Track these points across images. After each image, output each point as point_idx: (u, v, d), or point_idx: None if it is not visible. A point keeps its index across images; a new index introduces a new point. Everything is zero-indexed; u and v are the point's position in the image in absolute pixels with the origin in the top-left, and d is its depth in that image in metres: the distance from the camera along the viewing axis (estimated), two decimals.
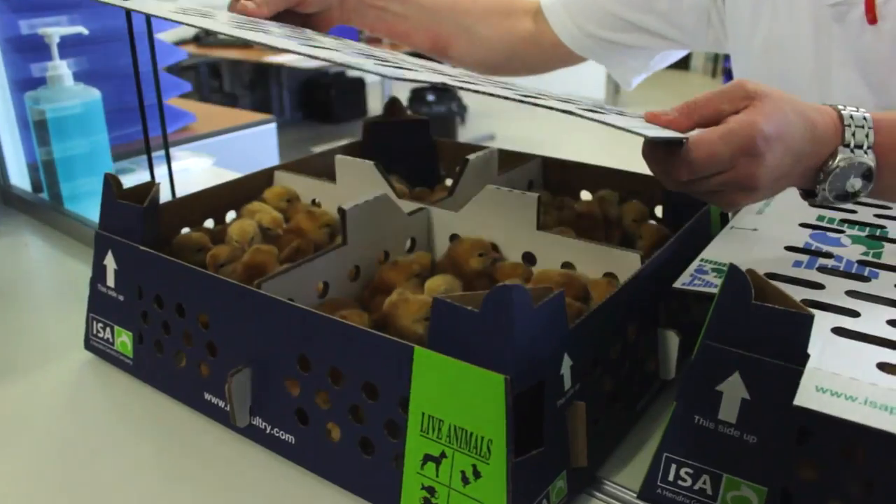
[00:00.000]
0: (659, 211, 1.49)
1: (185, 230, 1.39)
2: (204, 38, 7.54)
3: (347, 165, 1.41)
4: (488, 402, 0.77)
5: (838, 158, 0.91)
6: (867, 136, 0.91)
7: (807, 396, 0.70)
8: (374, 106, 8.05)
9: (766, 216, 1.21)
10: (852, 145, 0.91)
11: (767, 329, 0.75)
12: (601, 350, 0.93)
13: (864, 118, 0.92)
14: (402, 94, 7.13)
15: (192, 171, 2.30)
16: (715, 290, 0.82)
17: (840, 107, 0.93)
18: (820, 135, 0.90)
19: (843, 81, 1.33)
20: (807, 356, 0.74)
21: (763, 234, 1.13)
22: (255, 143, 2.67)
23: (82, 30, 2.03)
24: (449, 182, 1.75)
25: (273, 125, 2.72)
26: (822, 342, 0.78)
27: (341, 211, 1.13)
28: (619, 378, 0.99)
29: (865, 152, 0.91)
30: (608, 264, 1.13)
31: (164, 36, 2.58)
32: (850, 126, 0.91)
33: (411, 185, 1.68)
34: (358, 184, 1.40)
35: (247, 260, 1.22)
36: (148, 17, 1.61)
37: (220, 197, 1.47)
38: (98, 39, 2.20)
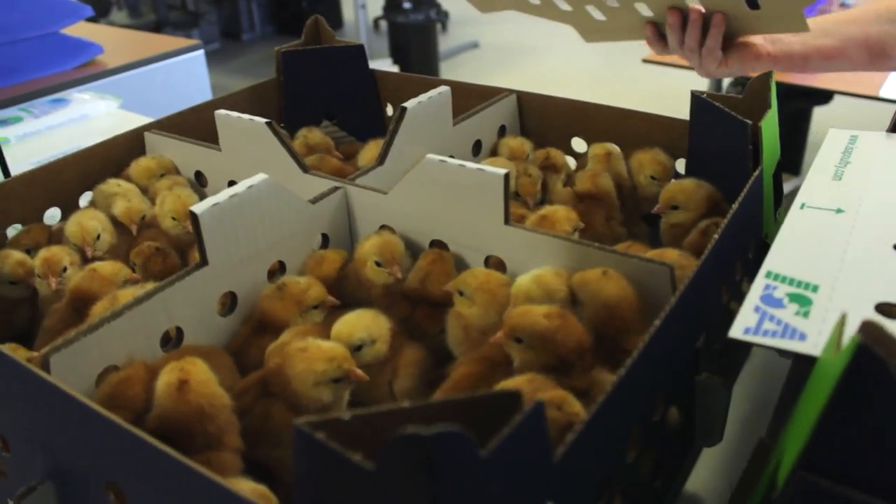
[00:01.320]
0: (681, 165, 1.07)
1: (13, 232, 0.98)
2: None
3: (232, 126, 0.98)
4: None
5: None
6: None
7: None
8: (350, 16, 7.48)
9: (846, 183, 0.80)
10: None
11: None
12: (610, 468, 0.54)
13: None
14: (376, 1, 6.55)
15: (91, 118, 1.86)
16: (806, 348, 0.44)
17: None
18: None
19: None
20: None
21: (855, 219, 0.72)
22: (178, 77, 2.21)
23: None
24: None
25: (200, 53, 2.26)
26: None
27: (192, 216, 0.71)
28: (641, 488, 0.60)
29: None
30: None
31: None
32: None
33: (342, 136, 1.26)
34: (248, 149, 0.98)
35: (74, 287, 0.82)
36: None
37: (71, 174, 1.05)
38: None
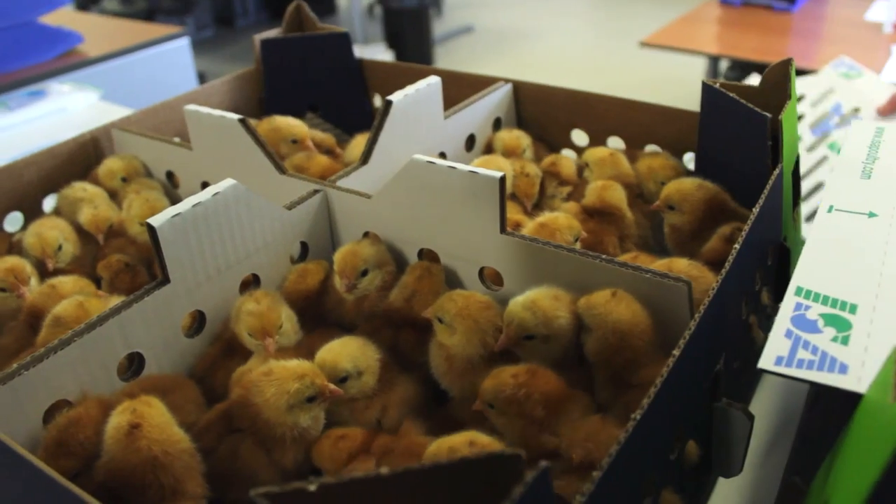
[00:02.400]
0: (689, 159, 0.99)
1: None
2: None
3: (203, 122, 0.90)
4: None
5: None
6: None
7: None
8: (344, 1, 7.36)
9: (877, 182, 0.73)
10: None
11: None
12: None
13: None
14: None
15: (69, 111, 1.78)
16: (849, 383, 0.46)
17: None
18: None
19: None
20: None
21: (891, 224, 0.65)
22: (162, 67, 2.12)
23: None
24: None
25: (185, 41, 2.17)
26: None
27: (150, 229, 0.64)
28: None
29: None
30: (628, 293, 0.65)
31: None
32: None
33: (327, 129, 1.18)
34: (221, 147, 0.90)
35: (31, 304, 0.74)
36: None
37: (32, 176, 0.97)
38: None
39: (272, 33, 1.19)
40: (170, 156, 0.97)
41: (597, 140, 1.07)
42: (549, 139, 1.09)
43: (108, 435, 0.54)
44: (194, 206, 0.66)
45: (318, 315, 0.77)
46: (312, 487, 0.35)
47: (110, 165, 0.97)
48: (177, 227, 0.65)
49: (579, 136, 1.09)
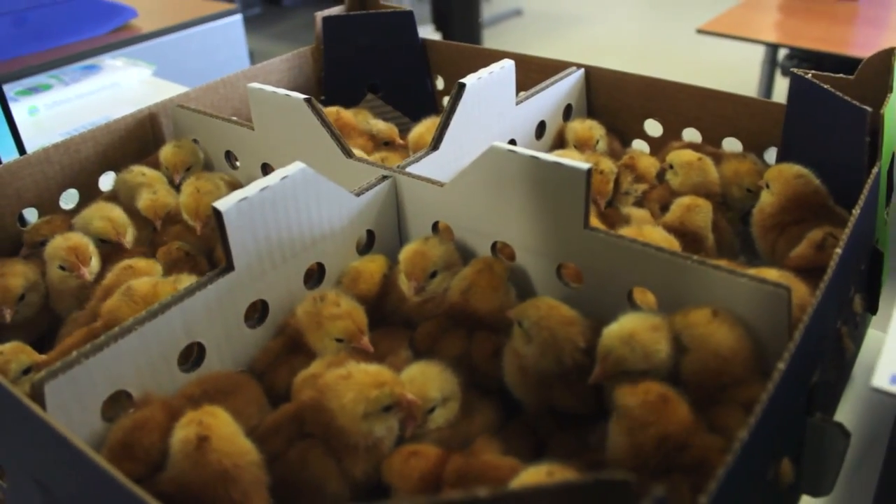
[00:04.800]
0: (771, 156, 0.94)
1: (29, 215, 0.89)
2: None
3: (266, 102, 0.86)
4: None
5: None
6: None
7: None
8: None
9: None
10: None
11: None
12: None
13: None
14: None
15: (122, 86, 1.76)
16: None
17: None
18: None
19: None
20: None
21: None
22: (214, 43, 2.10)
23: None
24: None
25: (238, 18, 2.14)
26: None
27: (216, 213, 0.60)
28: None
29: None
30: (721, 301, 0.60)
31: None
32: None
33: (387, 111, 1.14)
34: (285, 128, 0.86)
35: (107, 286, 0.72)
36: None
37: (89, 152, 0.95)
38: None
39: (334, 10, 1.15)
40: (230, 135, 0.94)
41: (672, 131, 1.01)
42: (621, 128, 1.04)
43: (175, 448, 0.50)
44: (262, 189, 0.62)
45: (376, 312, 0.73)
46: None
47: (171, 153, 0.93)
48: (243, 212, 0.62)
49: (653, 127, 1.03)
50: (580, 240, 0.66)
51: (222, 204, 0.60)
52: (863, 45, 2.69)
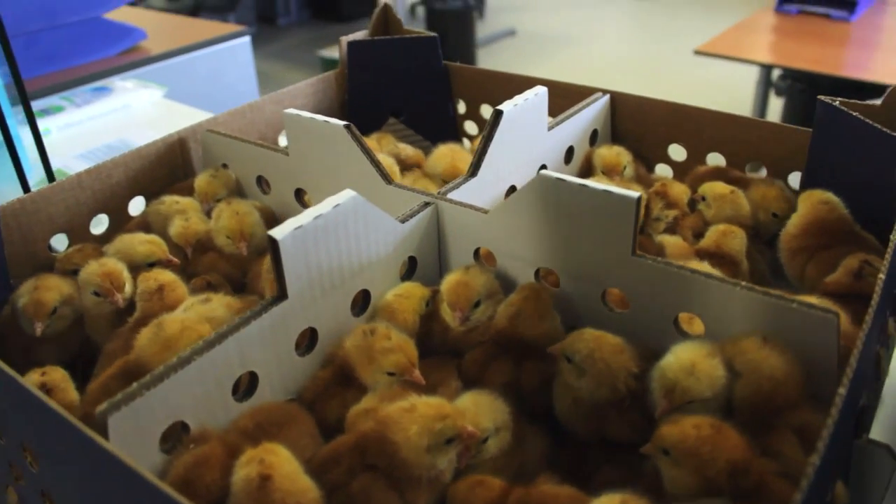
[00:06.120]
0: (794, 179, 0.95)
1: (57, 243, 0.89)
2: None
3: (303, 127, 0.87)
4: None
5: None
6: None
7: None
8: (388, 1, 7.35)
9: None
10: None
11: None
12: None
13: None
14: None
15: (134, 107, 1.76)
16: None
17: None
18: None
19: None
20: None
21: None
22: (223, 65, 2.11)
23: None
24: (471, 128, 1.21)
25: (246, 39, 2.15)
26: None
27: (272, 242, 0.61)
28: None
29: None
30: (769, 326, 0.61)
31: None
32: None
33: (409, 135, 1.15)
34: (321, 154, 0.87)
35: (140, 315, 0.73)
36: None
37: (120, 177, 0.95)
38: None
39: (359, 35, 1.16)
40: (262, 160, 0.94)
41: (696, 156, 1.03)
42: (645, 153, 1.05)
43: (237, 487, 0.50)
44: (315, 218, 0.63)
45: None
46: None
47: (205, 183, 0.94)
48: (297, 240, 0.62)
49: (677, 151, 1.04)
50: (628, 266, 0.66)
51: (278, 232, 0.60)
52: (855, 65, 2.73)
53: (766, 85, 3.24)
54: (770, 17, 3.21)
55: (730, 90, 4.06)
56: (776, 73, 3.25)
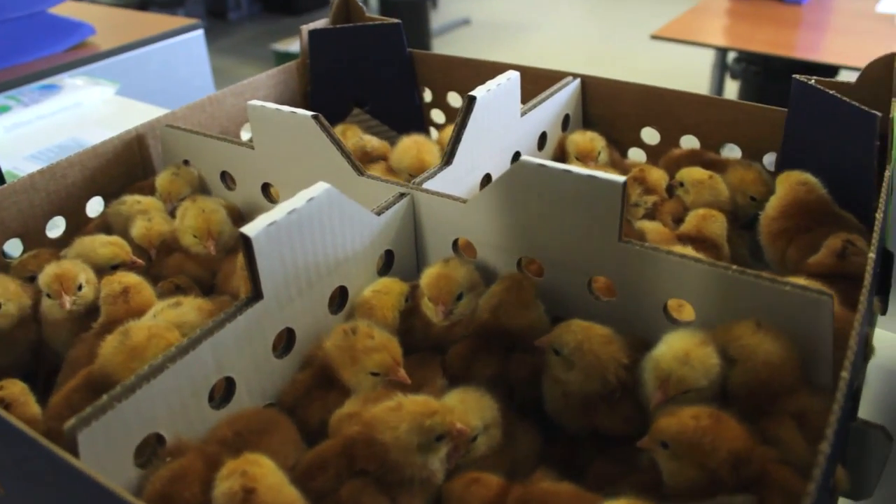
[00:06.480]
0: (769, 160, 0.94)
1: (11, 249, 0.85)
2: None
3: (269, 120, 0.83)
4: None
5: None
6: None
7: None
8: None
9: None
10: None
11: None
12: None
13: None
14: None
15: (85, 105, 1.70)
16: None
17: None
18: None
19: None
20: None
21: None
22: (177, 60, 2.04)
23: None
24: (438, 117, 1.18)
25: (200, 33, 2.09)
26: None
27: (245, 239, 0.57)
28: None
29: None
30: (763, 310, 0.59)
31: None
32: None
33: (374, 125, 1.12)
34: (288, 146, 0.83)
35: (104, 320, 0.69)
36: None
37: (76, 177, 0.90)
38: None
39: (320, 23, 1.13)
40: (225, 155, 0.90)
41: (669, 139, 1.01)
42: (617, 137, 1.03)
43: (220, 502, 0.47)
44: (289, 213, 0.60)
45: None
46: None
47: (167, 182, 0.90)
48: (272, 237, 0.59)
49: (650, 135, 1.03)
50: (614, 253, 0.64)
51: (251, 229, 0.57)
52: (807, 47, 2.75)
53: (721, 68, 3.26)
54: (724, 2, 3.23)
55: (686, 75, 4.08)
56: (731, 57, 3.28)
